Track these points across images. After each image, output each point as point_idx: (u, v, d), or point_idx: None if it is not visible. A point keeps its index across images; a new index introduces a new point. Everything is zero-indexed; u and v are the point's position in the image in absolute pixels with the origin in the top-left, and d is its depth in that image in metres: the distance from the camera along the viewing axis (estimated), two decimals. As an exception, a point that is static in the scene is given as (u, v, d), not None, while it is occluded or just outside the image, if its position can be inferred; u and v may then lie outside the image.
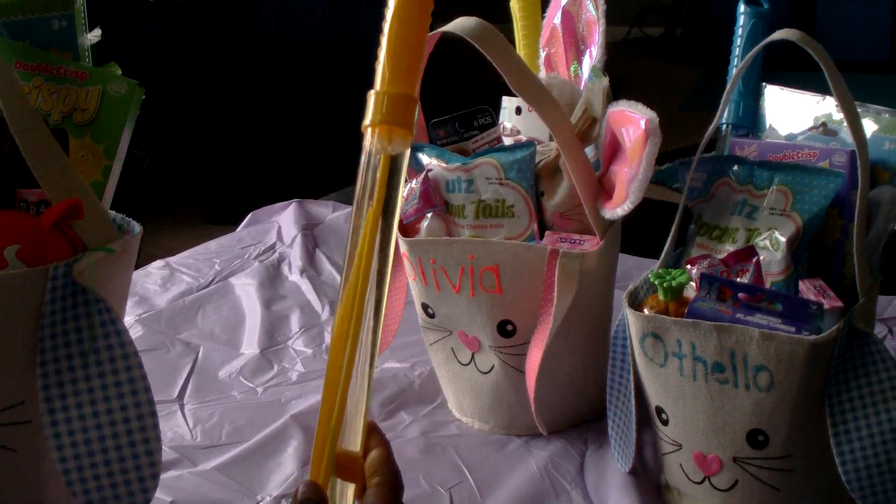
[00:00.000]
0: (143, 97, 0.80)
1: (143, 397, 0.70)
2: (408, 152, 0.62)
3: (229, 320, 1.19)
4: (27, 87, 0.77)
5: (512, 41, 0.95)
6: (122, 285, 0.78)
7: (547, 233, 0.91)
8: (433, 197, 0.93)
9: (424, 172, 0.93)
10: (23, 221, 0.72)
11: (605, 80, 0.90)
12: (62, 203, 0.71)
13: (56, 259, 0.70)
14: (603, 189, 0.89)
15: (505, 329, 0.92)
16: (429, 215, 0.93)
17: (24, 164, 0.71)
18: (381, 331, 0.63)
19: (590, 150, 0.91)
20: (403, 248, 0.94)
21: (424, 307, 0.96)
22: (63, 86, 0.78)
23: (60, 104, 0.78)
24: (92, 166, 0.79)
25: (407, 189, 0.94)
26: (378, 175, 0.61)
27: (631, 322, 0.80)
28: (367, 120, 0.61)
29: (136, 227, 0.79)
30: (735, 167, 0.85)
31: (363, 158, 0.62)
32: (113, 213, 0.80)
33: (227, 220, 1.82)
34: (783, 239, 0.80)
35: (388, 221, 0.62)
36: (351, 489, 0.64)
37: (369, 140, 0.61)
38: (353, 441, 0.63)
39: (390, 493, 0.62)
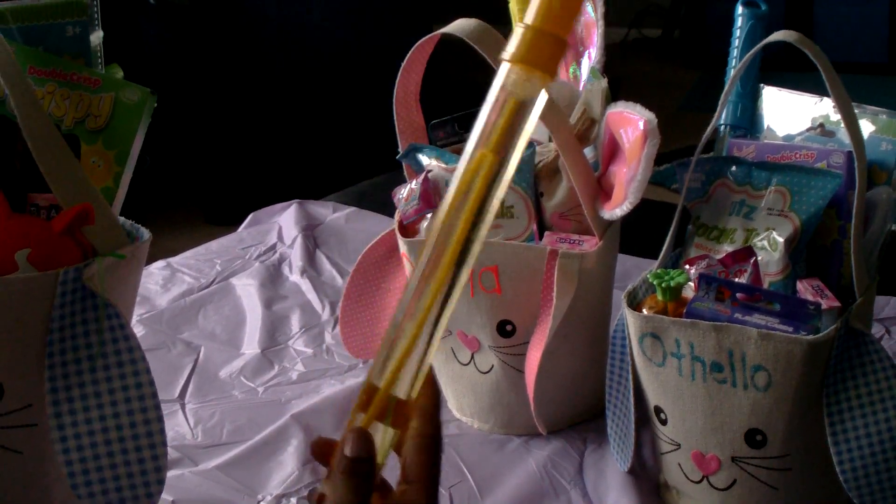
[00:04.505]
0: (156, 105, 0.80)
1: (149, 402, 0.70)
2: (542, 99, 0.54)
3: (230, 320, 1.19)
4: (40, 93, 0.78)
5: (511, 43, 0.95)
6: (130, 291, 0.78)
7: (546, 233, 0.91)
8: (433, 197, 0.93)
9: (424, 173, 0.94)
10: (34, 226, 0.72)
11: (604, 82, 0.91)
12: (73, 208, 0.71)
13: (66, 264, 0.70)
14: (602, 190, 0.89)
15: (504, 329, 0.92)
16: (429, 216, 0.93)
17: (37, 168, 0.71)
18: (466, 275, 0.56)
19: (589, 151, 0.91)
20: (403, 249, 0.94)
21: (424, 307, 0.96)
22: (76, 92, 0.78)
23: (73, 110, 0.78)
24: (103, 172, 0.79)
25: (407, 190, 0.94)
26: (502, 118, 0.53)
27: (630, 322, 0.80)
28: (507, 53, 0.53)
29: (145, 234, 0.79)
30: (733, 168, 0.85)
31: (489, 95, 0.54)
32: (122, 219, 0.80)
33: (227, 221, 1.82)
34: (781, 239, 0.80)
35: (502, 167, 0.54)
36: (390, 436, 0.57)
37: (503, 76, 0.53)
38: (403, 387, 0.56)
39: (426, 453, 0.56)
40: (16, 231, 0.71)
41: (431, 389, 0.58)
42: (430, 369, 0.58)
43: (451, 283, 0.55)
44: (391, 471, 0.57)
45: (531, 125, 0.54)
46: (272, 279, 1.29)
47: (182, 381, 1.06)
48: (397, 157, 0.99)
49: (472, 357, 0.95)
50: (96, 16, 0.81)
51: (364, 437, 0.56)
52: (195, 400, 1.03)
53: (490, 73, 0.90)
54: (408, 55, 0.95)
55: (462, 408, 0.99)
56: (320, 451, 0.58)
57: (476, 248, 0.55)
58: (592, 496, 0.87)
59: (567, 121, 0.89)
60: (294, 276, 1.29)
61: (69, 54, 0.79)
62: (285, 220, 1.44)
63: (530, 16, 0.52)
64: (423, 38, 0.93)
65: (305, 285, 1.26)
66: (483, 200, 0.54)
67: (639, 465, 0.89)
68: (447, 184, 0.93)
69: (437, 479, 0.57)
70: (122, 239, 0.74)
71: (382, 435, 0.57)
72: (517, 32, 0.53)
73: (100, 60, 0.82)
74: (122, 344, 0.71)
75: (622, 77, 3.74)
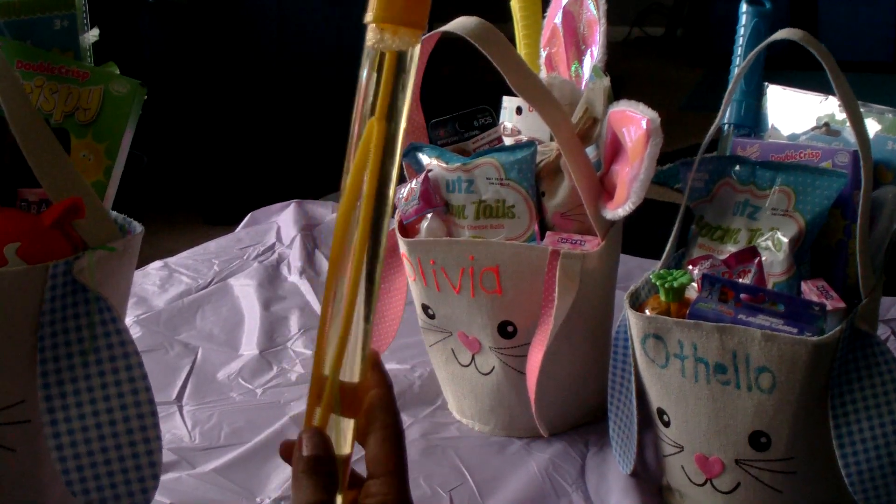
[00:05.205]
0: (145, 97, 0.80)
1: (143, 396, 0.70)
2: (417, 49, 0.53)
3: (228, 321, 1.19)
4: (29, 87, 0.77)
5: (512, 41, 0.94)
6: (122, 285, 0.77)
7: (548, 233, 0.91)
8: (433, 197, 0.92)
9: (424, 172, 0.93)
10: (23, 220, 0.72)
11: (606, 80, 0.90)
12: (63, 202, 0.71)
13: (56, 257, 0.70)
14: (604, 189, 0.89)
15: (505, 330, 0.91)
16: (429, 216, 0.93)
17: (26, 163, 0.71)
18: (383, 248, 0.55)
19: (591, 150, 0.91)
20: (403, 249, 0.94)
21: (424, 308, 0.96)
22: (64, 85, 0.78)
23: (62, 104, 0.78)
24: (93, 166, 0.78)
25: (407, 189, 0.94)
26: (382, 76, 0.52)
27: (632, 323, 0.79)
28: (369, 15, 0.51)
29: (138, 227, 0.79)
30: (737, 167, 0.84)
31: (363, 60, 0.53)
32: (114, 213, 0.80)
33: (226, 221, 1.82)
34: (785, 239, 0.80)
35: (392, 129, 0.54)
36: (350, 427, 0.57)
37: (371, 37, 0.52)
38: (351, 371, 0.56)
39: (390, 444, 0.56)
40: (5, 225, 0.71)
41: (382, 378, 0.57)
42: (376, 356, 0.58)
43: (370, 260, 0.54)
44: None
45: (412, 81, 0.53)
46: (271, 280, 1.28)
47: (180, 383, 1.05)
48: (397, 157, 0.98)
49: (473, 358, 0.95)
50: (84, 9, 0.80)
51: (318, 435, 0.55)
52: (193, 402, 1.02)
53: (490, 73, 0.90)
54: (408, 54, 0.94)
55: (462, 410, 0.99)
56: (288, 453, 0.58)
57: (385, 222, 0.54)
58: (594, 499, 0.86)
59: (569, 120, 0.88)
60: (293, 276, 1.29)
61: (58, 48, 0.79)
62: (284, 219, 1.44)
63: None
64: (423, 37, 0.92)
65: (304, 286, 1.26)
66: (383, 172, 0.54)
67: (641, 468, 0.89)
68: (448, 183, 0.92)
69: (405, 468, 0.56)
70: (113, 232, 0.74)
71: (343, 425, 0.56)
72: None
73: (88, 54, 0.81)
74: (115, 338, 0.70)
75: (625, 76, 3.75)
